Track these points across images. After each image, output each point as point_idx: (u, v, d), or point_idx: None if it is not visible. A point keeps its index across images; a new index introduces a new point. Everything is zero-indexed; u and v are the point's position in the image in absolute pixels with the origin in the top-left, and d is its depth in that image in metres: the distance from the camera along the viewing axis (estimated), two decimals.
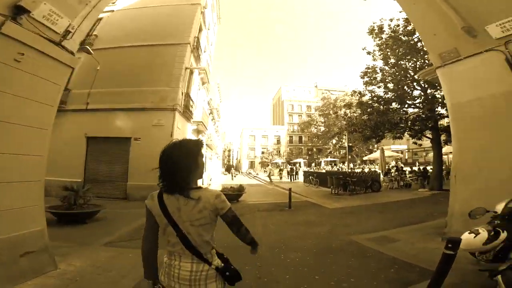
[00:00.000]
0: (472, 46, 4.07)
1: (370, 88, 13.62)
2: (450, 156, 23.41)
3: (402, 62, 12.16)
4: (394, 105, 12.87)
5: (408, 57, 11.96)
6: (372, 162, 43.17)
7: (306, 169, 34.59)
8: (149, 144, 10.24)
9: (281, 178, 25.61)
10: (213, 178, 24.09)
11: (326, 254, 4.01)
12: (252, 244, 1.44)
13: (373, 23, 12.90)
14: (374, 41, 13.14)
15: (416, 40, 11.36)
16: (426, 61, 11.41)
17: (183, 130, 12.74)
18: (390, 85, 12.59)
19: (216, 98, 32.36)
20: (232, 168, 41.39)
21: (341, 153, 51.79)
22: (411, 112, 12.71)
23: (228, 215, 1.29)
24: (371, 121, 12.71)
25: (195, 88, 15.65)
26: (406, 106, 12.54)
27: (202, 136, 18.90)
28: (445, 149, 20.67)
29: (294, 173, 23.39)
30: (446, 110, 11.48)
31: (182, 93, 12.09)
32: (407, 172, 15.66)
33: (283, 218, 7.00)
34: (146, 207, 1.34)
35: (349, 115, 16.22)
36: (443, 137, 12.60)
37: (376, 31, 12.75)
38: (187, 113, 12.81)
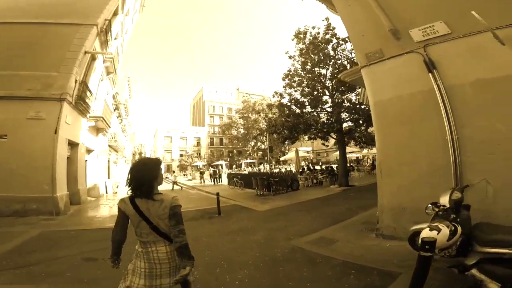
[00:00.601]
0: (395, 47, 4.46)
1: (289, 90, 14.50)
2: (351, 155, 28.36)
3: (316, 69, 13.48)
4: (308, 108, 14.16)
5: (321, 65, 13.36)
6: (284, 162, 47.71)
7: (228, 171, 34.50)
8: (21, 143, 7.69)
9: (203, 182, 24.32)
10: (120, 185, 20.38)
11: (274, 267, 3.54)
12: (182, 250, 1.66)
13: (299, 28, 13.86)
14: (296, 45, 14.08)
15: (330, 49, 12.82)
16: (336, 69, 13.02)
17: (75, 126, 10.01)
18: (306, 89, 13.72)
19: (125, 93, 27.89)
20: None
21: (258, 154, 54.87)
22: (322, 116, 14.19)
23: (174, 210, 1.74)
24: (289, 123, 13.54)
25: (97, 78, 12.68)
26: (319, 110, 13.94)
27: (103, 136, 15.60)
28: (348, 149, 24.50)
29: (218, 176, 22.64)
30: (350, 114, 13.80)
31: (76, 80, 9.43)
32: (318, 171, 17.59)
33: (215, 227, 6.22)
34: (120, 208, 1.80)
35: (269, 116, 16.92)
36: (346, 139, 14.70)
37: (301, 36, 13.69)
38: (81, 106, 10.08)
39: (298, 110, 13.73)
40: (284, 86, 14.50)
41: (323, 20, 13.02)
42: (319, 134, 14.08)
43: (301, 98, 14.09)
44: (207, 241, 5.01)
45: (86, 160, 12.22)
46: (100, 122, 12.83)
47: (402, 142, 4.30)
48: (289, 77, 14.21)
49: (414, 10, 4.46)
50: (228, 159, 53.28)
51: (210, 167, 36.21)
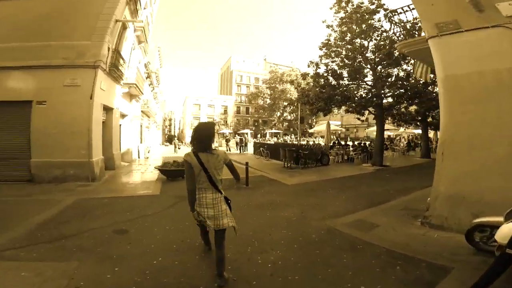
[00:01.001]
0: (476, 20, 3.71)
1: (325, 61, 13.26)
2: (388, 133, 26.63)
3: (358, 40, 12.01)
4: (346, 81, 12.95)
5: (363, 36, 11.83)
6: (310, 135, 46.43)
7: (253, 140, 34.59)
8: (59, 109, 7.91)
9: (228, 149, 24.64)
10: (152, 150, 21.38)
11: (310, 249, 3.32)
12: (237, 178, 2.81)
13: None
14: (335, 14, 12.53)
15: (376, 19, 11.31)
16: (382, 41, 11.57)
17: (110, 92, 10.18)
18: (346, 60, 12.43)
19: (156, 62, 28.08)
20: (175, 139, 38.09)
21: (284, 125, 54.07)
22: (361, 89, 12.97)
23: (229, 163, 2.59)
24: (324, 94, 12.60)
25: (128, 47, 12.60)
26: (359, 82, 12.69)
27: (136, 102, 15.96)
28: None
29: (243, 145, 22.68)
30: (394, 89, 12.40)
31: (109, 48, 9.34)
32: (350, 147, 16.68)
33: (244, 200, 6.12)
34: (186, 161, 2.40)
35: (302, 86, 15.87)
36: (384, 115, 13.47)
37: (343, 4, 12.08)
38: (115, 73, 10.12)
39: (334, 82, 12.63)
40: (320, 56, 13.25)
41: None
42: (357, 108, 12.98)
43: (339, 69, 12.86)
44: (236, 214, 4.89)
45: (120, 125, 12.72)
46: (133, 88, 12.99)
47: (477, 122, 3.66)
48: (327, 46, 12.80)
49: None
50: (254, 128, 53.31)
51: (236, 135, 36.48)
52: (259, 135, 49.41)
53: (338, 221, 4.43)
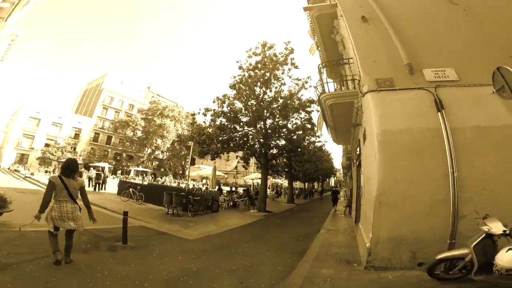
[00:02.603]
0: (407, 80, 4.54)
1: (231, 102, 13.15)
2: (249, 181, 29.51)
3: (262, 89, 12.86)
4: (243, 126, 13.24)
5: (268, 84, 12.83)
6: (182, 177, 43.43)
7: (112, 176, 27.42)
8: None
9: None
10: None
11: None
12: (88, 208, 3.71)
13: (264, 41, 13.03)
14: (249, 58, 13.11)
15: (282, 71, 12.74)
16: (278, 93, 13.01)
17: None
18: (249, 105, 12.79)
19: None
20: None
21: (153, 164, 48.00)
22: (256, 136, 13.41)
23: (82, 186, 3.69)
24: (223, 135, 12.12)
25: None
26: (257, 129, 13.10)
27: None
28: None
29: (101, 181, 17.19)
30: (279, 140, 13.88)
31: None
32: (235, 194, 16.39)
33: (132, 272, 3.60)
34: (51, 181, 3.43)
35: (198, 123, 14.69)
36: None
37: (260, 49, 12.88)
38: None
39: (235, 125, 12.54)
40: (225, 96, 13.07)
41: (285, 43, 12.80)
42: (249, 155, 13.15)
43: (243, 112, 13.00)
44: None
45: None
46: None
47: (408, 175, 4.13)
48: (238, 86, 12.82)
49: (429, 52, 4.81)
50: (114, 162, 43.71)
51: (92, 169, 28.09)
52: (119, 172, 40.76)
53: (292, 285, 3.41)
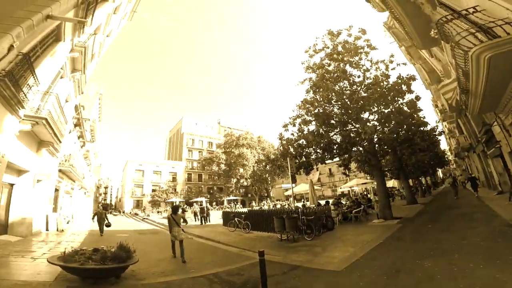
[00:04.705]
0: None
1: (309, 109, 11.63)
2: (344, 189, 25.73)
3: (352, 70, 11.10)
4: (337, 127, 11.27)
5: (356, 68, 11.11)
6: (267, 199, 43.04)
7: (211, 208, 29.06)
8: None
9: (184, 221, 19.01)
10: (76, 221, 14.68)
11: None
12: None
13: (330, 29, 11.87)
14: (313, 55, 11.82)
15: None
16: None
17: None
18: (339, 102, 10.98)
19: (94, 112, 22.90)
20: (100, 209, 29.16)
21: (240, 191, 49.82)
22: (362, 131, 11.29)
23: (184, 217, 7.50)
24: (323, 138, 10.55)
25: (53, 66, 8.75)
26: (356, 126, 11.03)
27: (50, 154, 10.92)
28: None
29: (205, 214, 17.88)
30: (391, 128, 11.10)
31: (12, 47, 5.58)
32: (347, 204, 13.99)
33: None
34: (169, 217, 7.20)
35: (282, 140, 13.45)
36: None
37: (331, 37, 11.63)
38: (8, 90, 5.98)
39: (330, 128, 10.94)
40: (303, 102, 11.73)
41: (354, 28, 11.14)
42: (360, 156, 11.03)
43: (336, 110, 11.31)
44: None
45: (12, 185, 7.56)
46: (41, 127, 8.09)
47: None
48: (316, 86, 11.33)
49: None
50: (209, 196, 47.52)
51: (195, 204, 30.69)
52: (214, 203, 43.92)
53: None
